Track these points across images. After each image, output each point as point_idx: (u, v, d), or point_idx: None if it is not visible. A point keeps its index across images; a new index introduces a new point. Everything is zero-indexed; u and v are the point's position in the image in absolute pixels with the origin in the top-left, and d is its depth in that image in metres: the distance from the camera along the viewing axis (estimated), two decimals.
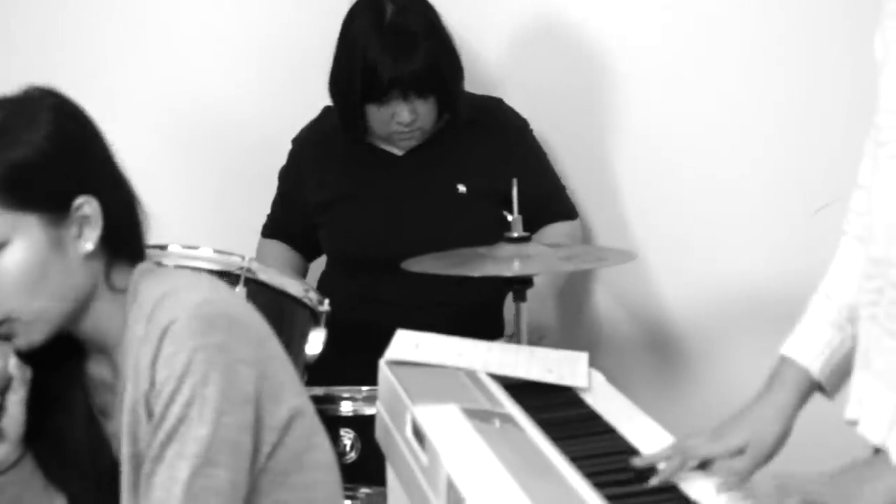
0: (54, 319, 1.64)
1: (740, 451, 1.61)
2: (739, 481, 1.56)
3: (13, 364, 1.64)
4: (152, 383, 1.59)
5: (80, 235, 1.64)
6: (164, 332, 1.58)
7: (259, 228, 2.91)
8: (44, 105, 1.68)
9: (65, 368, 1.73)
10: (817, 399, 1.68)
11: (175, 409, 1.57)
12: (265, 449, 1.66)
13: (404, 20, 2.61)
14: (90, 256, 1.65)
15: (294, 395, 1.72)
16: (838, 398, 1.65)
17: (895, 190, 1.50)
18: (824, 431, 1.74)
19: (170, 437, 1.58)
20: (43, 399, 1.70)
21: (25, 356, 1.66)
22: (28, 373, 1.67)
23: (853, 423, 1.51)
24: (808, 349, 1.65)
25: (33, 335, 1.63)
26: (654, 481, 1.59)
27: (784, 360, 1.66)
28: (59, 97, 1.72)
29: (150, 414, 1.60)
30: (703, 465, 1.61)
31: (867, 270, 1.54)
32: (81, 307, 1.66)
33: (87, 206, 1.64)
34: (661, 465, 1.60)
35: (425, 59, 2.58)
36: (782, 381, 1.65)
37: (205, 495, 1.57)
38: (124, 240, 1.71)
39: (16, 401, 1.66)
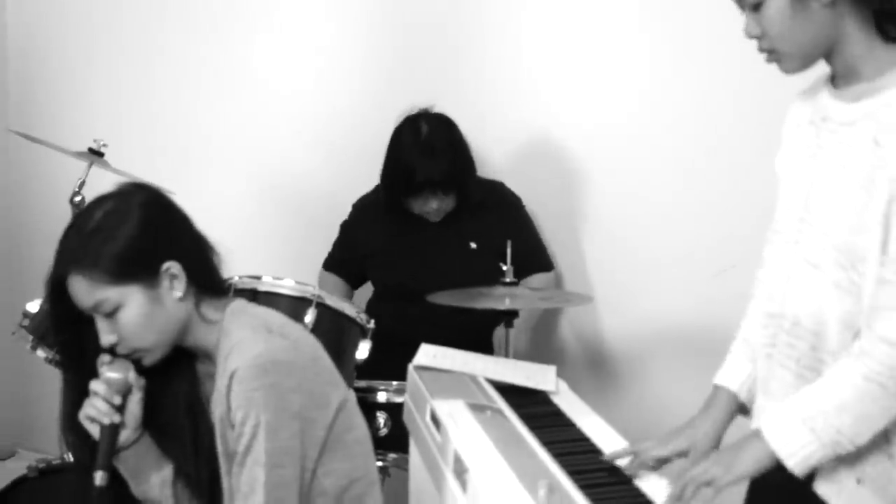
0: (165, 345, 1.71)
1: (683, 454, 1.62)
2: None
3: (132, 376, 1.71)
4: (229, 408, 1.65)
5: (171, 287, 1.68)
6: (232, 375, 1.64)
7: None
8: (134, 201, 1.68)
9: (173, 371, 1.76)
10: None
11: (248, 430, 1.62)
12: (320, 440, 1.69)
13: (434, 138, 2.69)
14: (182, 299, 1.69)
15: (337, 396, 1.73)
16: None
17: (786, 266, 1.55)
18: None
19: (247, 449, 1.63)
20: (157, 393, 1.76)
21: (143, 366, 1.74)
22: (142, 381, 1.73)
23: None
24: (736, 379, 1.68)
25: (153, 357, 1.71)
26: (604, 458, 1.64)
27: (718, 388, 1.69)
28: (147, 190, 1.74)
29: (231, 425, 1.66)
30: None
31: (763, 321, 1.61)
32: (183, 332, 1.72)
33: (173, 268, 1.68)
34: (620, 462, 1.63)
35: (448, 166, 2.68)
36: (716, 404, 1.67)
37: (279, 489, 1.63)
38: (205, 281, 1.73)
39: (135, 401, 1.72)
